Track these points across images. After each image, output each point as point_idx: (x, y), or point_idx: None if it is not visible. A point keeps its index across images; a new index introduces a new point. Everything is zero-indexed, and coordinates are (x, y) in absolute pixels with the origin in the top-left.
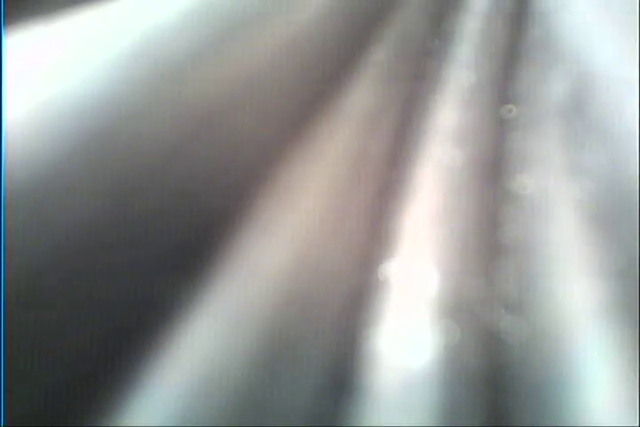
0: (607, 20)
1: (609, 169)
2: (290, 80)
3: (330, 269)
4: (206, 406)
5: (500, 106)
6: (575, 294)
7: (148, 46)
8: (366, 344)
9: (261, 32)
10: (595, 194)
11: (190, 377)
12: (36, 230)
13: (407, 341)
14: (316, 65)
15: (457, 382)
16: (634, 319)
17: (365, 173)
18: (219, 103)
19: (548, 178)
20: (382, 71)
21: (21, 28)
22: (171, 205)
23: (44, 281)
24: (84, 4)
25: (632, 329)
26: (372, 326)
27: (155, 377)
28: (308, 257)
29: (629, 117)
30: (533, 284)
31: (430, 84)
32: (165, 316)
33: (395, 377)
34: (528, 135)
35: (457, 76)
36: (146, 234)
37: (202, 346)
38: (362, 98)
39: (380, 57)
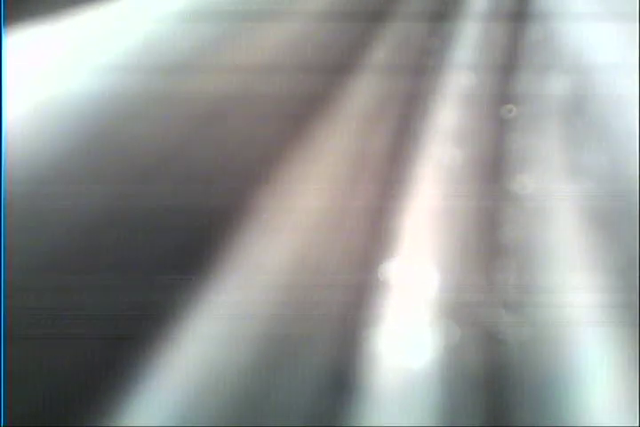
0: (607, 20)
1: (609, 169)
2: (290, 80)
3: (330, 269)
4: (206, 405)
5: (500, 106)
6: (575, 293)
7: (147, 46)
8: (366, 344)
9: (261, 32)
10: (595, 194)
11: (190, 377)
12: (36, 230)
13: (407, 341)
14: (315, 65)
15: (457, 382)
16: (634, 319)
17: (365, 172)
18: (218, 103)
19: (548, 178)
20: (382, 71)
21: (21, 28)
22: (171, 206)
23: (44, 281)
24: (84, 4)
25: (632, 329)
26: (371, 326)
27: (155, 377)
28: (308, 257)
29: (629, 117)
30: (533, 283)
31: (430, 84)
32: (165, 316)
33: (395, 377)
34: (528, 135)
35: (457, 76)
36: (146, 234)
37: (202, 346)
38: (362, 98)
39: (380, 57)
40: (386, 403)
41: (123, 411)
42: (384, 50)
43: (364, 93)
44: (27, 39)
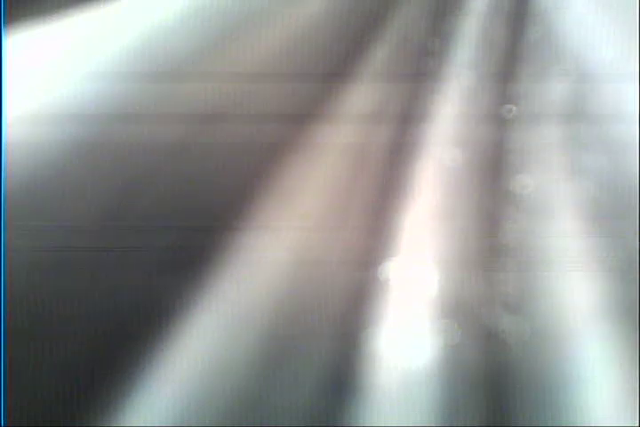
0: (607, 20)
1: (609, 169)
2: (290, 79)
3: (330, 269)
4: (206, 405)
5: (500, 106)
6: (575, 293)
7: (147, 46)
8: (366, 344)
9: (261, 31)
10: (595, 194)
11: (190, 377)
12: (37, 230)
13: (407, 341)
14: (315, 64)
15: (457, 382)
16: (634, 319)
17: (365, 172)
18: (218, 102)
19: (548, 178)
20: (382, 71)
21: (21, 28)
22: (171, 205)
23: (44, 281)
24: (84, 4)
25: (632, 329)
26: (371, 326)
27: (155, 377)
28: (308, 257)
29: (629, 117)
30: (533, 284)
31: (430, 84)
32: (166, 316)
33: (395, 377)
34: (528, 135)
35: (457, 76)
36: (146, 234)
37: (202, 346)
38: (362, 98)
39: (380, 57)
40: (386, 403)
41: (122, 411)
42: (384, 50)
43: (364, 93)
44: (27, 39)
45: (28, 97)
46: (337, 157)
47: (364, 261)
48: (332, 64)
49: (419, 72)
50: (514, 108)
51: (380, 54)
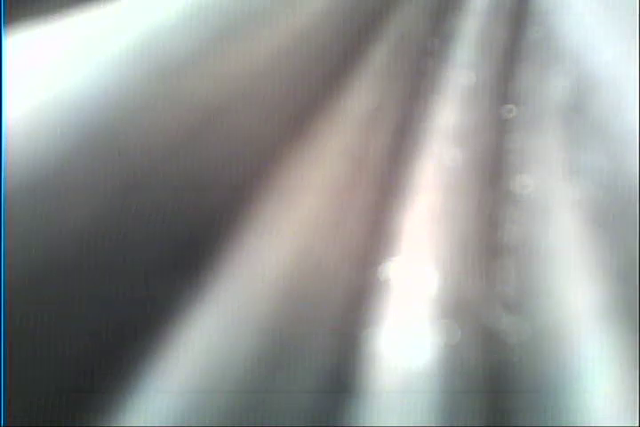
0: (607, 20)
1: (609, 169)
2: (290, 79)
3: (330, 269)
4: (206, 406)
5: (500, 106)
6: (575, 293)
7: (148, 46)
8: (366, 344)
9: (261, 31)
10: (595, 194)
11: (190, 377)
12: (37, 230)
13: (407, 341)
14: (315, 64)
15: (457, 383)
16: (634, 319)
17: (365, 172)
18: (218, 102)
19: (548, 178)
20: (382, 70)
21: (21, 28)
22: (171, 205)
23: (44, 281)
24: (84, 4)
25: (632, 329)
26: (371, 326)
27: (154, 377)
28: (308, 257)
29: (629, 117)
30: (533, 284)
31: (430, 84)
32: (166, 316)
33: (395, 377)
34: (528, 135)
35: (457, 76)
36: (146, 233)
37: (202, 346)
38: (362, 97)
39: (380, 57)
40: (386, 403)
41: (122, 411)
42: (384, 49)
43: (364, 93)
44: (27, 39)
45: (27, 97)
46: (337, 157)
47: (363, 261)
48: (332, 64)
49: (418, 72)
50: (514, 108)
51: (380, 54)
